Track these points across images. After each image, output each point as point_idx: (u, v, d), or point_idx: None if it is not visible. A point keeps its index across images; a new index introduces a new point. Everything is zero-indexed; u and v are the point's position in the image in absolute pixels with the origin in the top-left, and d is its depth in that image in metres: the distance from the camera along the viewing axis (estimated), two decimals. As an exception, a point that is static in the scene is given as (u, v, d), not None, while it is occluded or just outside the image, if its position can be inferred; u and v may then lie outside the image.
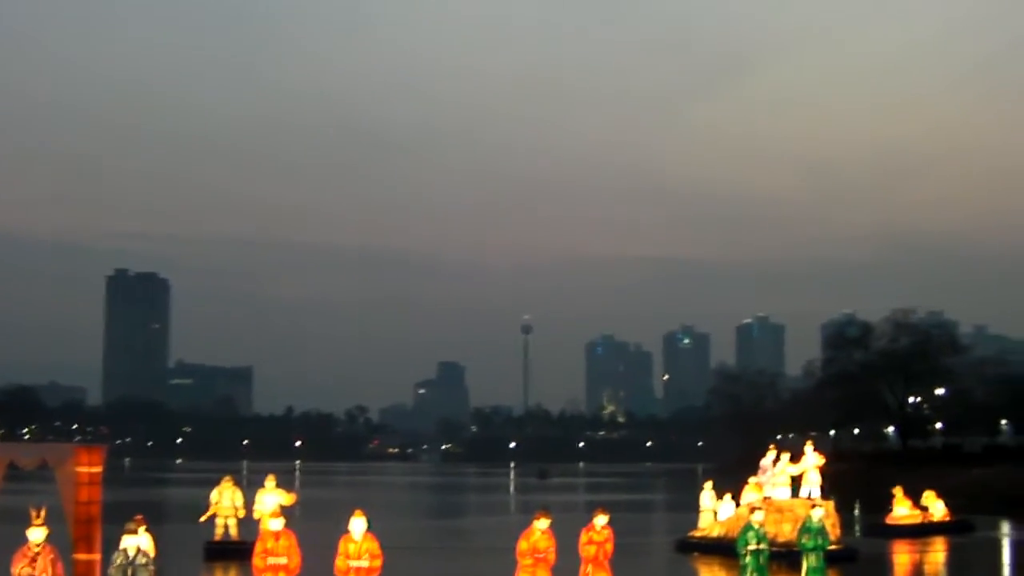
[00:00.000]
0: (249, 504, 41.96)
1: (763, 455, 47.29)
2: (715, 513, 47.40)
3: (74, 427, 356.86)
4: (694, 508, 50.17)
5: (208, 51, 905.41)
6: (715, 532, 46.12)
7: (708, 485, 49.37)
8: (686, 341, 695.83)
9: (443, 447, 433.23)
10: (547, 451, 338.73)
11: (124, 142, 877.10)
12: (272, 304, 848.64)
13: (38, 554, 19.18)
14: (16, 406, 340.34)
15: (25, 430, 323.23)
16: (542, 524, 24.22)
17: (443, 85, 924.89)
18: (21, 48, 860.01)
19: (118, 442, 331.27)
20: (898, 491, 58.44)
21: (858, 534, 56.91)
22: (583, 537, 25.46)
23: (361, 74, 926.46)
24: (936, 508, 58.78)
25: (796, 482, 45.44)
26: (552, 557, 24.32)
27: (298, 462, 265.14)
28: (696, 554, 45.37)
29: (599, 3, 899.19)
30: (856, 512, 71.65)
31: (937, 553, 49.84)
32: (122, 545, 20.59)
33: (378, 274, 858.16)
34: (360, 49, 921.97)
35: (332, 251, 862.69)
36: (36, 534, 19.30)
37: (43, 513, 19.46)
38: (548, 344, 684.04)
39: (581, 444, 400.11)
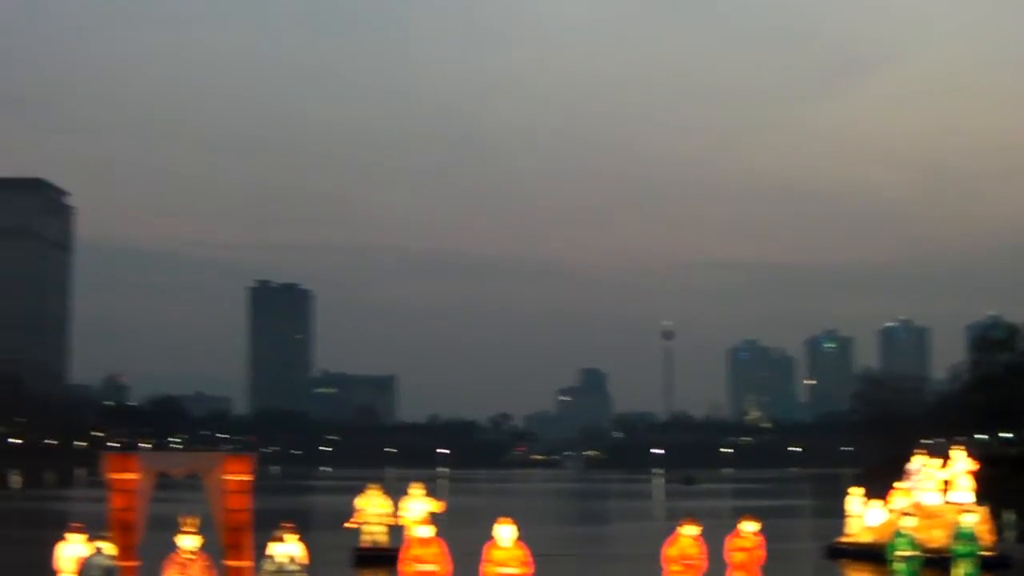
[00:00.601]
0: (396, 511, 42.24)
1: (909, 460, 46.49)
2: (863, 519, 46.61)
3: (220, 436, 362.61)
4: (840, 514, 49.37)
5: (327, 62, 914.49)
6: (865, 538, 45.35)
7: (855, 490, 48.54)
8: (829, 345, 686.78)
9: (586, 453, 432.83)
10: (691, 457, 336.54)
11: (263, 157, 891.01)
12: (414, 313, 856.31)
13: (190, 561, 19.47)
14: (163, 416, 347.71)
15: (173, 440, 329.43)
16: (689, 531, 24.04)
17: (569, 88, 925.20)
18: (141, 67, 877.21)
19: (264, 451, 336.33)
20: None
21: (1012, 540, 55.59)
22: (730, 544, 25.24)
23: (498, 84, 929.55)
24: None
25: (944, 487, 44.55)
26: (702, 564, 24.13)
27: (443, 469, 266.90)
28: (846, 560, 44.74)
29: (719, 1, 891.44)
30: (1009, 518, 70.06)
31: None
32: (270, 552, 20.82)
33: (519, 281, 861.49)
34: (500, 60, 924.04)
35: (472, 259, 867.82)
36: (188, 542, 19.59)
37: (194, 521, 19.75)
38: (690, 350, 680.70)
39: (726, 450, 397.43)
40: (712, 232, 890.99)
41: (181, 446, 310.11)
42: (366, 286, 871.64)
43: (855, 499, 47.71)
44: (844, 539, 47.37)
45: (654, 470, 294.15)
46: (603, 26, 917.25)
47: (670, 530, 25.43)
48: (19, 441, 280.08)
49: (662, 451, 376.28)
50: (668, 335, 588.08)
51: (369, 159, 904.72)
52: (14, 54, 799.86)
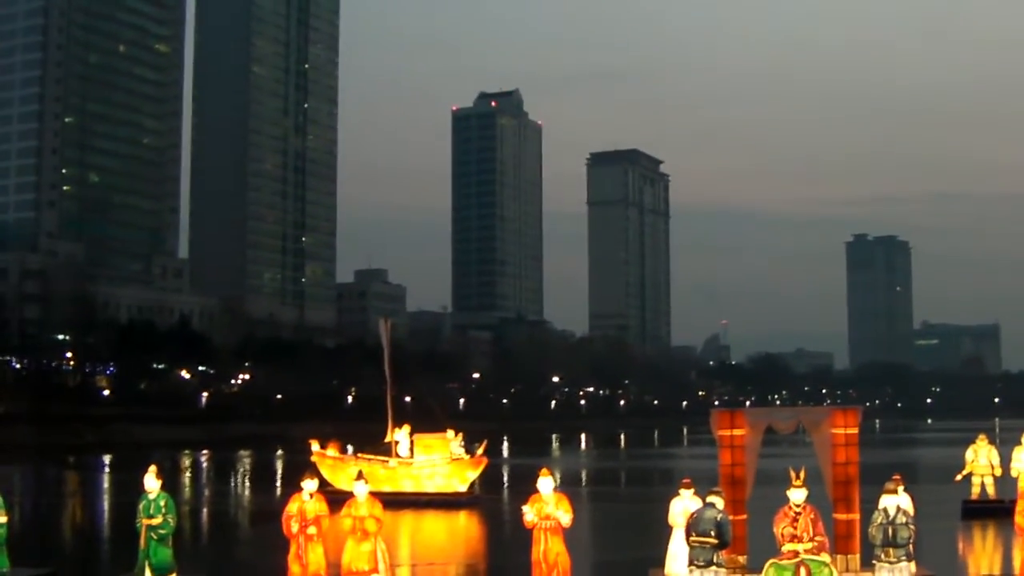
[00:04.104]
0: (1005, 462, 40.88)
1: None
2: None
3: (822, 391, 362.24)
4: None
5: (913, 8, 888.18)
6: None
7: None
8: None
9: None
10: None
11: (846, 107, 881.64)
12: (1017, 260, 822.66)
13: (799, 514, 19.67)
14: (766, 374, 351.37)
15: (775, 396, 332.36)
16: None
17: None
18: (725, 38, 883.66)
19: (867, 405, 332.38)
20: None
21: None
22: None
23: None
24: None
25: None
26: None
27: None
28: None
29: None
30: None
31: None
32: (881, 504, 20.71)
33: None
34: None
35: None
36: (797, 495, 19.79)
37: (802, 474, 19.94)
38: None
39: None
40: None
41: (780, 403, 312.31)
42: (964, 235, 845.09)
43: None
44: None
45: None
46: None
47: None
48: (625, 402, 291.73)
49: None
50: None
51: (962, 106, 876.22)
52: (609, 33, 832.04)
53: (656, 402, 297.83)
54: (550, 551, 21.53)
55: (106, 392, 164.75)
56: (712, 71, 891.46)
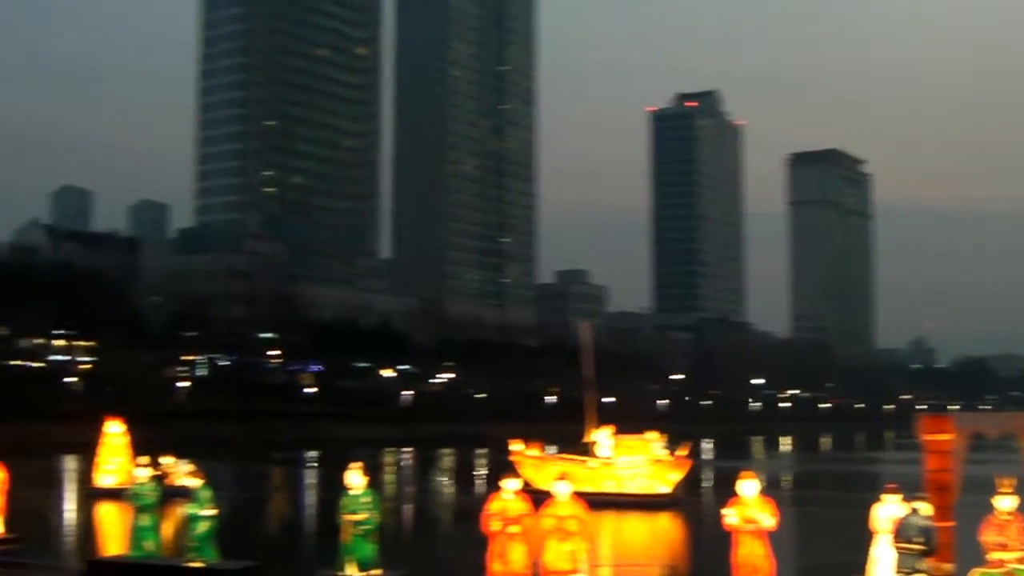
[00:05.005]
0: None
1: None
2: None
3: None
4: None
5: None
6: None
7: None
8: None
9: None
10: None
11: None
12: None
13: (1007, 522, 19.24)
14: (971, 378, 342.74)
15: (982, 402, 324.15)
16: None
17: None
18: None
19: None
20: None
21: None
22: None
23: None
24: None
25: None
26: None
27: None
28: None
29: None
30: None
31: None
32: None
33: None
34: None
35: None
36: (1005, 503, 19.36)
37: (1011, 482, 19.50)
38: None
39: None
40: None
41: (991, 408, 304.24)
42: None
43: None
44: None
45: None
46: None
47: None
48: (829, 405, 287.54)
49: None
50: None
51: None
52: (807, 30, 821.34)
53: (859, 406, 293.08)
54: (752, 554, 21.35)
55: (310, 390, 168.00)
56: (914, 67, 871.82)
